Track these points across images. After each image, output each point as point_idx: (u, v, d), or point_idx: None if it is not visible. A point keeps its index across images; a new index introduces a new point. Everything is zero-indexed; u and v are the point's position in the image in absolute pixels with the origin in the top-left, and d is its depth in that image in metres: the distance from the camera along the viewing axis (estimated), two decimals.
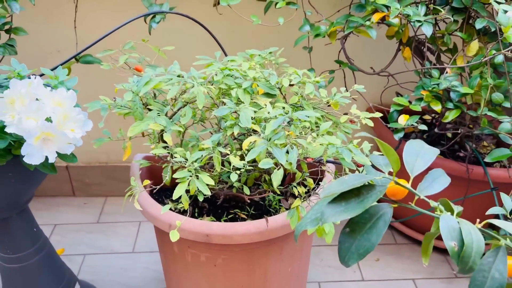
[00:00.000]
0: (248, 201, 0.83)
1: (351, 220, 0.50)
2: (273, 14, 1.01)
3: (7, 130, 0.60)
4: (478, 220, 0.48)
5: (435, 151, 0.51)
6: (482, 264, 0.46)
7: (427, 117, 1.31)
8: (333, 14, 1.11)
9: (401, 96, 1.05)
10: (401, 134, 0.93)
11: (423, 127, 0.90)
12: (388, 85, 1.11)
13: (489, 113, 0.90)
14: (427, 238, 0.53)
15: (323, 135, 0.65)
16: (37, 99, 0.62)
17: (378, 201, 0.48)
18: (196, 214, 0.87)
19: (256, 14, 1.00)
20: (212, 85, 0.75)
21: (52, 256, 1.00)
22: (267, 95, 0.77)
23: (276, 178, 0.60)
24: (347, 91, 0.85)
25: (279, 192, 0.72)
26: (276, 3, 0.94)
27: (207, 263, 0.85)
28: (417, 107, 0.93)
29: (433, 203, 0.48)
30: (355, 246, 0.49)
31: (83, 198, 1.55)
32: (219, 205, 0.89)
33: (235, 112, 0.69)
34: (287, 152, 0.62)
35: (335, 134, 0.75)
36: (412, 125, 0.91)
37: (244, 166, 0.64)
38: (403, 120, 0.93)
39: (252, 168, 0.68)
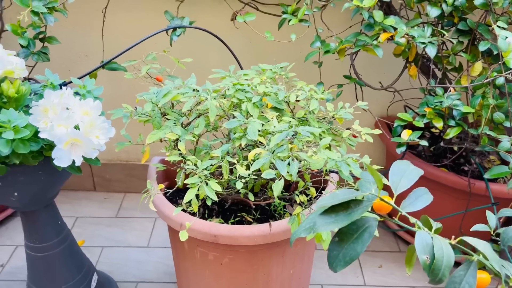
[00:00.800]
0: (253, 206, 0.90)
1: (340, 230, 0.56)
2: (287, 30, 1.07)
3: (40, 135, 0.68)
4: (453, 236, 0.53)
5: (419, 172, 0.56)
6: (454, 277, 0.51)
7: (435, 130, 1.34)
8: (345, 30, 1.16)
9: (411, 110, 1.10)
10: (403, 148, 0.97)
11: (424, 143, 0.95)
12: (394, 100, 1.15)
13: (489, 132, 0.94)
14: (410, 250, 0.58)
15: (323, 150, 0.71)
16: (67, 108, 0.70)
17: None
18: (206, 215, 0.94)
19: (271, 30, 1.06)
20: (224, 98, 0.82)
21: (74, 247, 1.08)
22: (275, 109, 0.83)
23: (277, 188, 0.66)
24: (357, 104, 0.90)
25: (278, 201, 0.78)
26: (289, 20, 1.00)
27: (214, 261, 0.91)
28: (420, 123, 0.97)
29: (412, 219, 0.53)
30: (342, 254, 0.55)
31: (103, 193, 1.64)
32: (227, 208, 0.95)
33: (243, 124, 0.75)
34: (289, 164, 0.68)
35: (335, 148, 0.80)
36: (414, 140, 0.95)
37: (249, 175, 0.70)
38: (406, 135, 0.97)
39: (256, 177, 0.74)
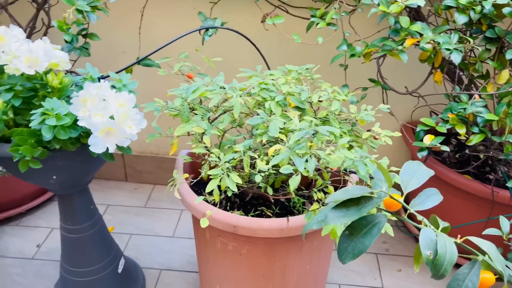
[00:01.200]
0: (272, 200, 0.93)
1: (350, 225, 0.59)
2: (316, 33, 1.10)
3: (79, 123, 0.74)
4: (459, 235, 0.55)
5: (430, 172, 0.59)
6: (458, 274, 0.53)
7: (461, 137, 1.34)
8: (373, 34, 1.18)
9: (435, 115, 1.11)
10: (424, 153, 0.98)
11: (446, 148, 0.96)
12: (418, 105, 1.16)
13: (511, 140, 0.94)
14: (419, 248, 0.60)
15: (341, 149, 0.74)
16: (104, 100, 0.76)
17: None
18: (228, 208, 0.99)
19: (299, 32, 1.09)
20: (250, 96, 0.86)
21: (104, 232, 1.15)
22: (298, 108, 0.86)
23: (293, 182, 0.69)
24: (379, 107, 0.93)
25: (296, 197, 0.81)
26: (317, 24, 1.03)
27: (234, 251, 0.96)
28: (443, 129, 0.98)
29: (419, 217, 0.55)
30: (351, 247, 0.58)
31: (134, 183, 1.72)
32: (248, 202, 0.99)
33: (266, 122, 0.79)
34: (306, 160, 0.72)
35: (354, 148, 0.83)
36: (435, 145, 0.96)
37: (268, 170, 0.74)
38: (428, 140, 0.99)
39: (276, 173, 0.78)
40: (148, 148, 1.67)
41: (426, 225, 0.53)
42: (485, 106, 0.99)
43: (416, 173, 0.58)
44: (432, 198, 0.58)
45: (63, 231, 1.09)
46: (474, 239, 0.53)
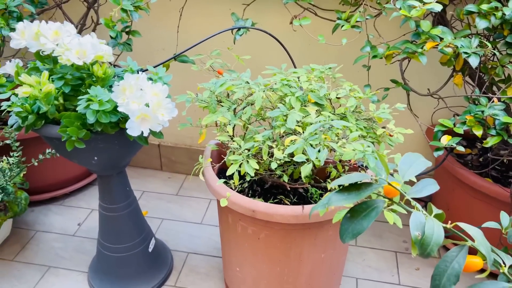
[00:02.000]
0: (289, 188, 1.00)
1: (352, 208, 0.65)
2: (342, 34, 1.16)
3: (118, 109, 0.84)
4: (449, 221, 0.60)
5: (427, 163, 0.64)
6: (446, 256, 0.58)
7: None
8: (398, 37, 1.22)
9: (453, 117, 1.13)
10: (440, 152, 1.02)
11: (461, 148, 0.99)
12: (438, 107, 1.19)
13: None
14: None
15: (352, 142, 0.80)
16: (141, 89, 0.86)
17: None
18: (249, 195, 1.06)
19: (325, 33, 1.15)
20: (272, 91, 0.93)
21: (138, 212, 1.26)
22: (316, 104, 0.93)
23: (305, 170, 0.76)
24: (396, 106, 0.97)
25: (306, 183, 0.87)
26: (342, 26, 1.09)
27: (253, 235, 1.03)
28: (460, 130, 1.01)
29: (413, 202, 0.60)
30: (351, 228, 0.64)
31: (168, 173, 1.83)
32: (268, 191, 1.07)
33: (285, 115, 0.86)
34: (319, 151, 0.78)
35: (364, 141, 0.88)
36: (452, 145, 1.00)
37: (284, 157, 0.81)
38: (445, 140, 1.02)
39: (290, 160, 0.84)
40: (182, 140, 1.77)
41: (417, 209, 0.58)
42: (504, 110, 1.01)
43: (414, 163, 0.64)
44: (429, 187, 0.63)
45: (101, 209, 1.20)
46: (462, 225, 0.57)
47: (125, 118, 0.87)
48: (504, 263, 0.59)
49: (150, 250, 1.30)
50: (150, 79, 0.96)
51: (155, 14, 1.50)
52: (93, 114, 0.83)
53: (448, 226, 0.59)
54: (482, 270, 0.61)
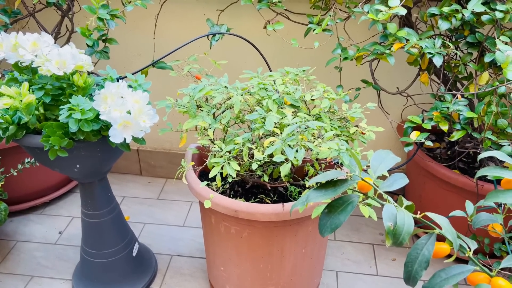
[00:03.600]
0: (269, 187, 1.04)
1: (329, 204, 0.69)
2: (314, 37, 1.21)
3: (100, 117, 0.86)
4: (419, 212, 0.65)
5: (396, 159, 0.68)
6: (417, 244, 0.63)
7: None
8: (367, 39, 1.27)
9: (421, 114, 1.20)
10: (410, 147, 1.08)
11: (430, 143, 1.05)
12: (407, 104, 1.25)
13: (490, 136, 1.02)
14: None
15: (328, 141, 0.84)
16: (122, 97, 0.88)
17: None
18: (231, 195, 1.10)
19: (298, 37, 1.20)
20: (250, 95, 0.97)
21: (120, 218, 1.27)
22: (292, 106, 0.97)
23: (284, 169, 0.80)
24: (367, 105, 1.03)
25: (286, 181, 0.91)
26: (314, 30, 1.13)
27: (236, 235, 1.06)
28: (428, 126, 1.07)
29: (385, 196, 0.65)
30: (329, 223, 0.68)
31: (148, 177, 1.84)
32: (249, 191, 1.10)
33: (263, 118, 0.90)
34: (297, 150, 0.82)
35: (338, 140, 0.93)
36: (421, 140, 1.06)
37: (263, 158, 0.84)
38: (414, 136, 1.08)
39: (270, 161, 0.88)
40: (161, 145, 1.79)
41: (389, 202, 0.63)
42: (468, 105, 1.08)
43: (384, 159, 0.68)
44: (399, 181, 0.68)
45: (84, 216, 1.21)
46: (430, 215, 0.62)
47: (107, 125, 0.89)
48: (469, 248, 0.64)
49: (134, 254, 1.31)
50: (130, 86, 0.98)
51: (130, 21, 1.52)
52: (75, 123, 0.85)
53: (418, 216, 0.63)
54: (450, 256, 0.66)
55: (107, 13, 1.11)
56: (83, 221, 1.23)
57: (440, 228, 0.63)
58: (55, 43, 1.13)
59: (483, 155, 0.68)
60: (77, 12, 1.45)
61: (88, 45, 1.15)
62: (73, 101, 0.86)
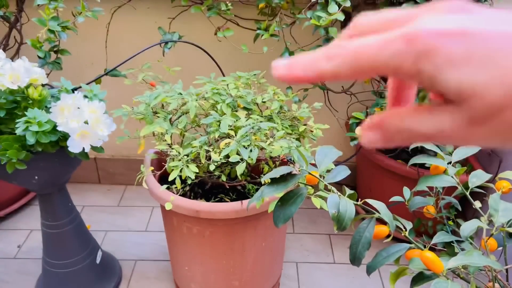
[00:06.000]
0: (228, 187, 1.09)
1: (281, 198, 0.75)
2: (264, 42, 1.27)
3: (58, 128, 0.88)
4: (360, 199, 0.73)
5: (338, 153, 0.76)
6: (359, 228, 0.70)
7: None
8: (313, 42, 1.35)
9: (365, 110, 1.30)
10: (356, 142, 1.17)
11: None
12: (351, 102, 1.35)
13: None
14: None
15: (278, 140, 0.91)
16: (78, 108, 0.90)
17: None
18: (192, 197, 1.14)
19: (248, 42, 1.26)
20: (205, 99, 1.02)
21: (82, 227, 1.28)
22: (245, 109, 1.03)
23: (240, 168, 0.85)
24: (313, 105, 1.10)
25: (244, 180, 0.97)
26: (262, 35, 1.20)
27: (198, 234, 1.11)
28: None
29: (330, 187, 0.72)
30: (282, 214, 0.74)
31: (107, 185, 1.84)
32: (209, 191, 1.15)
33: (218, 121, 0.95)
34: (251, 150, 0.88)
35: (289, 138, 1.00)
36: None
37: (220, 159, 0.90)
38: (359, 131, 1.17)
39: (226, 162, 0.94)
40: (119, 152, 1.80)
41: (333, 192, 0.70)
42: None
43: (328, 154, 0.75)
44: (342, 173, 0.75)
45: (44, 227, 1.21)
46: (369, 201, 0.70)
47: (65, 136, 0.91)
48: (405, 228, 0.73)
49: (97, 262, 1.33)
50: (86, 96, 1.00)
51: (81, 30, 1.52)
52: (33, 135, 0.86)
53: (359, 203, 0.71)
54: (389, 236, 0.74)
55: (57, 24, 1.12)
56: (44, 233, 1.23)
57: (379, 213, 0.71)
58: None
59: (413, 145, 0.77)
60: (25, 23, 1.44)
61: (39, 57, 1.16)
62: (29, 114, 0.88)
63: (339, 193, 0.70)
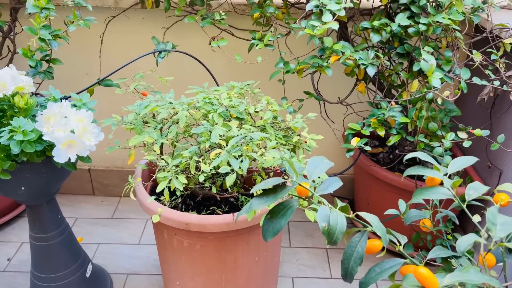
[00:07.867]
0: (219, 199, 1.06)
1: (271, 210, 0.72)
2: (260, 52, 1.26)
3: (43, 137, 0.86)
4: (351, 212, 0.70)
5: (329, 164, 0.73)
6: (351, 241, 0.67)
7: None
8: (309, 52, 1.34)
9: (361, 121, 1.27)
10: (351, 153, 1.14)
11: (368, 148, 1.12)
12: (347, 113, 1.33)
13: (422, 140, 1.10)
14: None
15: (269, 151, 0.88)
16: (65, 117, 0.88)
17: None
18: (183, 209, 1.11)
19: (242, 52, 1.24)
20: (196, 109, 1.00)
21: (71, 239, 1.25)
22: (238, 118, 1.00)
23: (229, 180, 0.83)
24: (308, 115, 1.08)
25: (236, 191, 0.94)
26: (257, 45, 1.18)
27: (189, 248, 1.08)
28: (366, 132, 1.14)
29: (320, 199, 0.69)
30: (271, 228, 0.71)
31: (101, 197, 1.81)
32: (201, 203, 1.12)
33: (210, 131, 0.93)
34: (242, 161, 0.85)
35: (281, 149, 0.97)
36: (361, 146, 1.12)
37: (210, 170, 0.87)
38: (354, 142, 1.14)
39: (216, 172, 0.91)
40: (113, 163, 1.77)
41: (324, 204, 0.68)
42: (402, 111, 1.16)
43: (319, 165, 0.73)
44: (333, 185, 0.72)
45: (32, 240, 1.18)
46: (361, 213, 0.67)
47: (51, 146, 0.89)
48: (399, 242, 0.70)
49: (88, 275, 1.29)
50: (75, 105, 0.98)
51: (76, 40, 1.51)
52: (17, 145, 0.84)
53: (351, 216, 0.68)
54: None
55: (49, 33, 1.11)
56: (32, 245, 1.20)
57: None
58: None
59: (408, 156, 0.74)
60: (19, 33, 1.43)
61: (31, 66, 1.14)
62: (14, 123, 0.85)
63: (330, 206, 0.67)
